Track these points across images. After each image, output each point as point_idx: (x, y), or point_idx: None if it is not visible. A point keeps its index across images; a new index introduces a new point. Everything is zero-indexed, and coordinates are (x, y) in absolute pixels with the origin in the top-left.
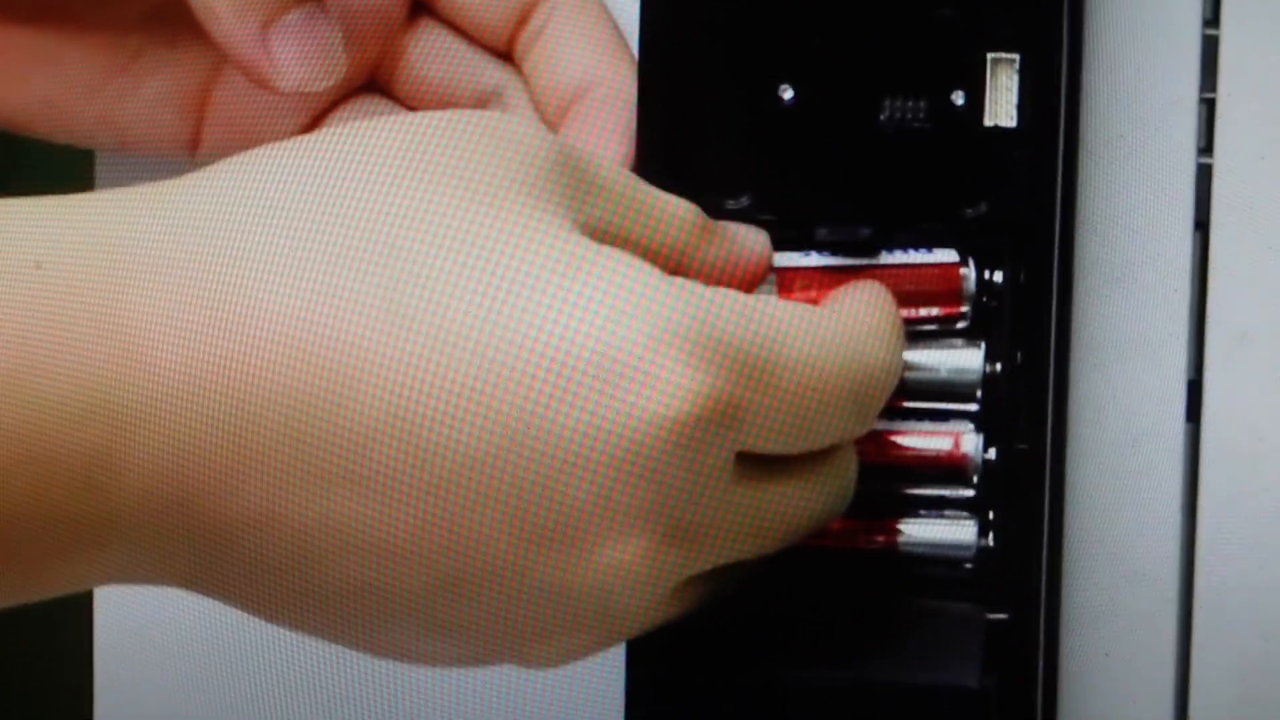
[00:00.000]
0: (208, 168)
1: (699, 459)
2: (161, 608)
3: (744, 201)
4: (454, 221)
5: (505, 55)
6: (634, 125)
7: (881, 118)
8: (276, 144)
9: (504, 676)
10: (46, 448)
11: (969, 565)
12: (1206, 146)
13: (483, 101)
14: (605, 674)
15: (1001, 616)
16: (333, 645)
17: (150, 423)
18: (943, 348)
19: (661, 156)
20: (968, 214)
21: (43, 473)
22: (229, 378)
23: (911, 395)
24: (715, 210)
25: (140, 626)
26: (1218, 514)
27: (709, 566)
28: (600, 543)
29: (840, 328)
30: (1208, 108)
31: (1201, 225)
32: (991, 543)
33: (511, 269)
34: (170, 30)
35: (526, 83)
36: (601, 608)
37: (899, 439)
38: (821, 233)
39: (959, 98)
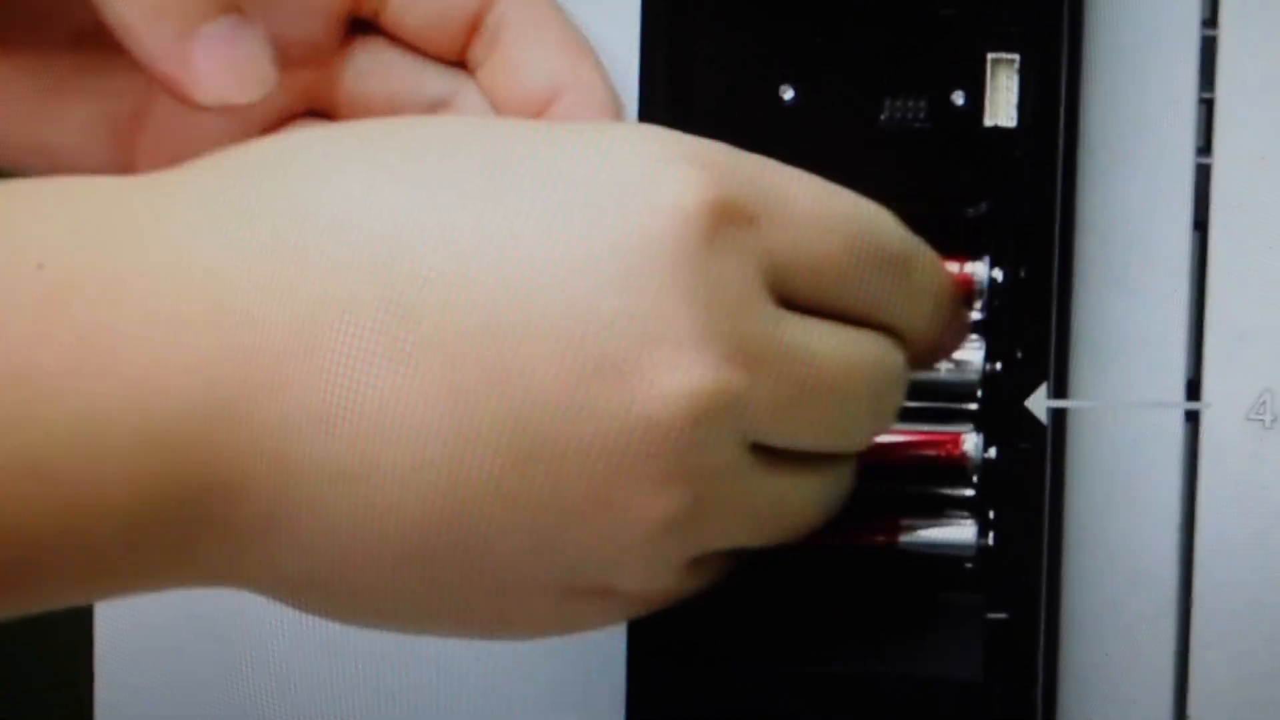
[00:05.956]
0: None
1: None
2: (162, 608)
3: None
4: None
5: (459, 63)
6: None
7: (882, 118)
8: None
9: (502, 669)
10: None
11: (969, 565)
12: (1205, 146)
13: (432, 111)
14: (606, 665)
15: (1001, 616)
16: (332, 643)
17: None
18: None
19: None
20: (968, 214)
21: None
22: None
23: (911, 394)
24: None
25: (140, 627)
26: (1217, 514)
27: (724, 543)
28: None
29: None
30: (1206, 108)
31: (1200, 225)
32: (991, 542)
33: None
34: (101, 54)
35: (487, 92)
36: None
37: (899, 438)
38: None
39: (959, 98)
